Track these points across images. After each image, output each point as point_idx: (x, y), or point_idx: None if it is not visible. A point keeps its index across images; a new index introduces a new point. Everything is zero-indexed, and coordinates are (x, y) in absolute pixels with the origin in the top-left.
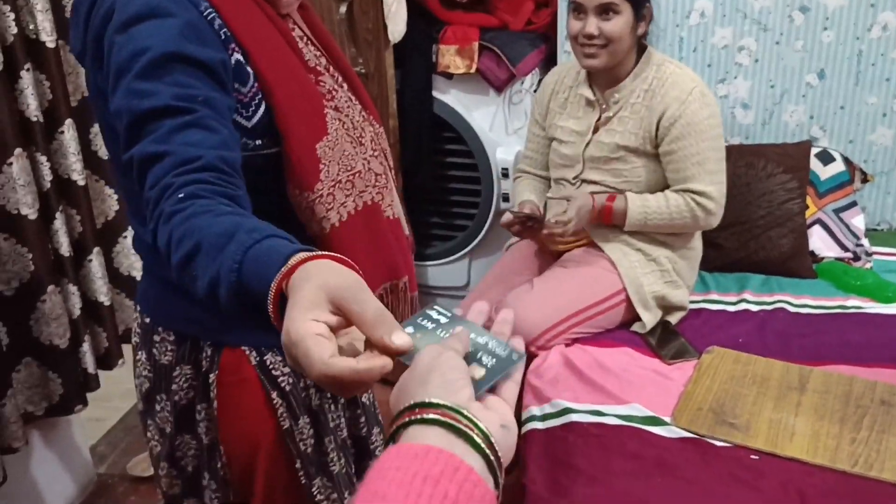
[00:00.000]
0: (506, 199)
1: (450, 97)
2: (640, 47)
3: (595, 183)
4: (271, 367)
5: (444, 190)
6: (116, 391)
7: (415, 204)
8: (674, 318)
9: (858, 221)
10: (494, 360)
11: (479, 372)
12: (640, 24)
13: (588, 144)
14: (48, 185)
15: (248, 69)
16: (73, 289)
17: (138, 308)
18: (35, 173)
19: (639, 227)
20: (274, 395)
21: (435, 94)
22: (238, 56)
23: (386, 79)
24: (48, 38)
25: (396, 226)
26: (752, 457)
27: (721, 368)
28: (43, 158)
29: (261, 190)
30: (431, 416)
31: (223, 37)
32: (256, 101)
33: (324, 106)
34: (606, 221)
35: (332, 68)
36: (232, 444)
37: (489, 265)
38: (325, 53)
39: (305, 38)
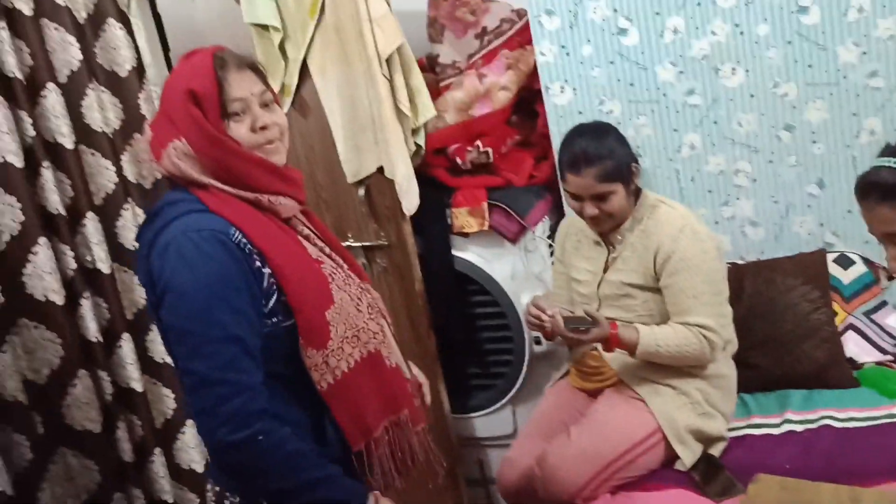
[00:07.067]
0: (538, 342)
1: (469, 254)
2: (636, 191)
3: (611, 319)
4: None
5: (476, 341)
6: None
7: (451, 358)
8: (717, 450)
9: (893, 321)
10: None
11: None
12: (632, 185)
13: (601, 283)
14: (71, 272)
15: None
16: (103, 374)
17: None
18: (59, 262)
19: (651, 354)
20: None
21: (455, 252)
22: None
23: (407, 247)
24: (65, 139)
25: (397, 371)
26: None
27: (769, 499)
28: (66, 248)
29: (276, 356)
30: None
31: (247, 251)
32: (271, 292)
33: (328, 283)
34: (615, 345)
35: (333, 255)
36: None
37: (533, 410)
38: (326, 244)
39: (312, 235)
